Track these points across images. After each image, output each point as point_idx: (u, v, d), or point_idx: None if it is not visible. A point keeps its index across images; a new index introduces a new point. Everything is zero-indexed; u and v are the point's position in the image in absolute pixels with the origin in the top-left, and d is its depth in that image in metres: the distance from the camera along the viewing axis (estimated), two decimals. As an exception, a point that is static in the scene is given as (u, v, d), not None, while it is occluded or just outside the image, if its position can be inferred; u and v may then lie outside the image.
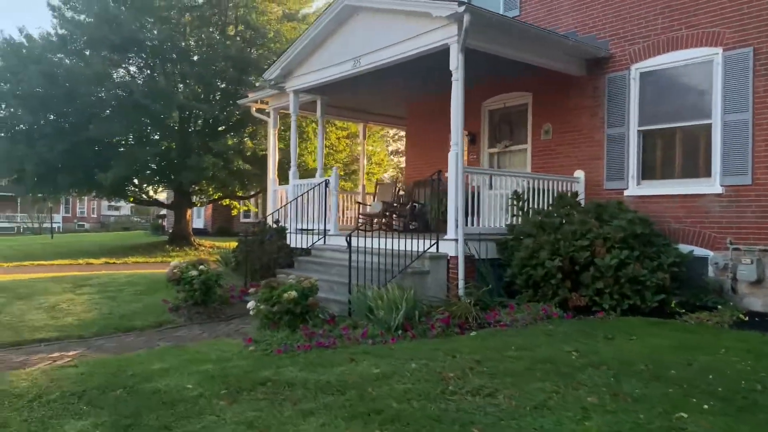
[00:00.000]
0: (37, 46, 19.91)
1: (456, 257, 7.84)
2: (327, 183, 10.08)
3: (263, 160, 19.92)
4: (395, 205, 11.85)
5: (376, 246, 8.82)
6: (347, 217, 13.37)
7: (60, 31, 19.67)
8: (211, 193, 22.39)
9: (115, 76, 18.99)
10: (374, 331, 6.22)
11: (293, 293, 6.28)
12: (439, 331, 6.38)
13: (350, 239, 7.34)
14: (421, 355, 5.46)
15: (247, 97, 13.01)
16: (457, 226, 7.86)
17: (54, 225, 51.89)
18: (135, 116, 18.35)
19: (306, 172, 21.21)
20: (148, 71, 19.49)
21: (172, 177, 19.53)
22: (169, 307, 8.50)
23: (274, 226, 11.55)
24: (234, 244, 26.24)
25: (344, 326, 6.42)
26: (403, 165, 38.17)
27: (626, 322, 6.85)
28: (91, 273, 14.85)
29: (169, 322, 7.95)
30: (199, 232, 33.74)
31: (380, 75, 9.97)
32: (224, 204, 27.40)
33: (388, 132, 35.87)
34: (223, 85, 19.43)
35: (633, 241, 7.42)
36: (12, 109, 19.18)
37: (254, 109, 13.36)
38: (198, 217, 37.05)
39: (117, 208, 61.94)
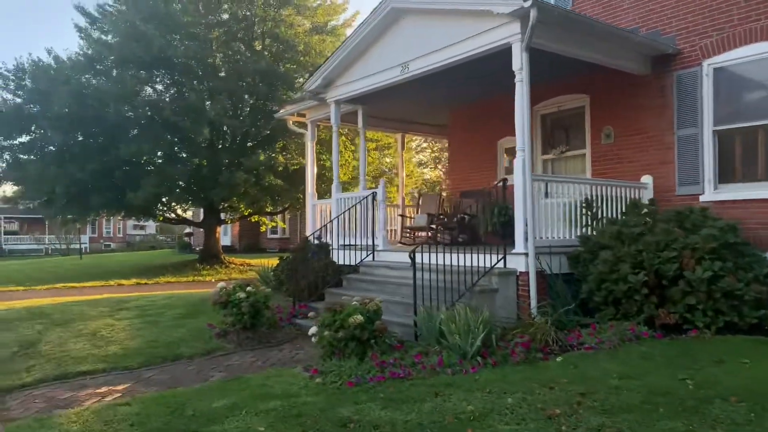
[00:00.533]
0: (66, 68, 19.82)
1: (527, 273, 7.20)
2: (374, 195, 9.53)
3: (294, 175, 19.54)
4: (441, 217, 11.26)
5: (432, 261, 8.23)
6: (388, 231, 12.79)
7: (88, 52, 19.55)
8: (243, 209, 22.00)
9: (143, 95, 18.73)
10: (451, 358, 5.61)
11: (359, 317, 5.71)
12: (521, 357, 5.74)
13: (414, 255, 6.75)
14: (514, 388, 4.84)
15: (284, 109, 12.56)
16: (527, 239, 7.23)
17: (81, 245, 52.24)
18: (164, 134, 18.07)
19: (346, 184, 20.76)
20: (176, 88, 19.23)
21: (203, 195, 19.16)
22: (216, 332, 7.98)
23: (316, 242, 11.04)
24: (266, 260, 25.96)
25: (416, 353, 5.82)
26: (427, 176, 37.59)
27: (727, 342, 6.14)
28: (126, 295, 14.47)
29: (218, 348, 7.42)
30: (226, 250, 33.43)
31: (427, 81, 9.44)
32: (253, 220, 27.07)
33: (411, 143, 35.43)
34: (252, 101, 19.08)
35: (725, 252, 6.72)
36: (41, 131, 19.05)
37: (291, 122, 12.91)
38: (225, 235, 36.79)
39: (142, 228, 62.18)
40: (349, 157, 20.23)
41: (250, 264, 24.60)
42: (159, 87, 20.05)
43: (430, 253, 7.99)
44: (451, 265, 7.42)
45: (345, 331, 5.73)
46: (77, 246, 50.81)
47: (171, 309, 10.66)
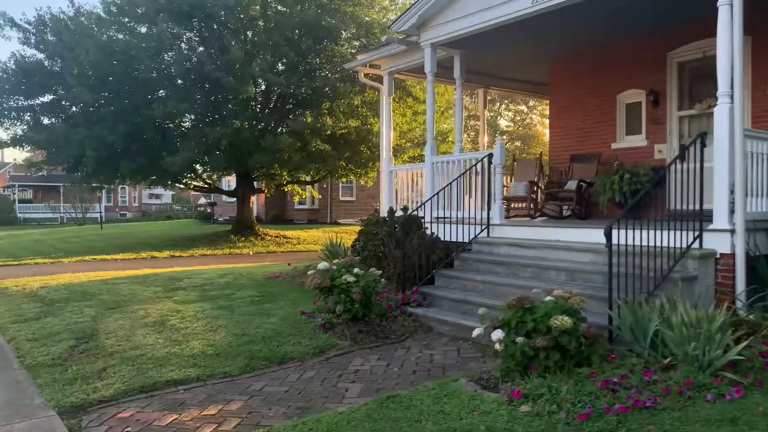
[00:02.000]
0: (92, 19, 18.09)
1: (731, 255, 5.58)
2: (490, 157, 7.87)
3: (340, 139, 17.86)
4: (552, 184, 9.62)
5: (587, 239, 6.62)
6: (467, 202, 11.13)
7: (117, 1, 17.73)
8: (285, 177, 20.36)
9: (180, 49, 16.95)
10: (702, 378, 4.03)
11: (566, 319, 4.12)
12: (783, 373, 4.16)
13: (610, 232, 5.10)
14: None
15: (361, 57, 10.80)
16: (732, 211, 5.58)
17: (101, 215, 50.90)
18: (203, 93, 16.37)
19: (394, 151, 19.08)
20: (215, 43, 17.43)
21: (241, 160, 17.52)
22: (319, 324, 6.44)
23: (401, 213, 9.43)
24: (302, 232, 24.46)
25: (649, 370, 4.23)
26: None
27: None
28: (169, 270, 12.99)
29: (330, 346, 5.88)
30: (250, 220, 31.98)
31: (551, 19, 7.71)
32: (287, 189, 25.49)
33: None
34: (296, 57, 17.26)
35: None
36: (65, 90, 17.36)
37: (362, 74, 11.20)
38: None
39: (158, 197, 60.85)
40: (400, 120, 18.50)
41: (286, 236, 23.09)
42: (194, 41, 18.23)
43: (568, 229, 6.38)
44: (619, 246, 5.79)
45: (544, 338, 4.14)
46: (92, 215, 49.56)
47: (237, 290, 9.16)
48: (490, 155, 7.84)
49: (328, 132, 17.02)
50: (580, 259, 6.46)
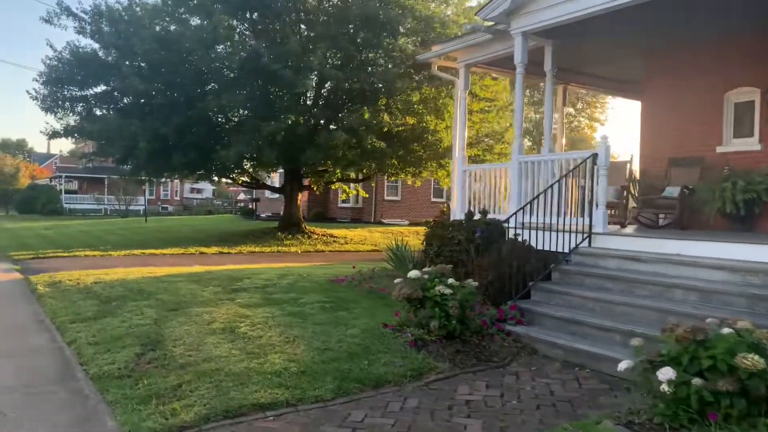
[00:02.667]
0: (147, 9, 17.81)
1: None
2: (594, 158, 7.03)
3: (394, 137, 17.17)
4: (652, 190, 8.72)
5: (712, 254, 5.77)
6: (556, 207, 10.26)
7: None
8: (338, 174, 19.74)
9: (237, 39, 16.48)
10: None
11: (758, 359, 3.31)
12: None
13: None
14: None
15: (435, 48, 10.06)
16: None
17: (145, 208, 51.41)
18: (259, 85, 15.87)
19: (447, 151, 18.29)
20: (271, 35, 16.90)
21: (293, 156, 16.96)
22: (409, 340, 5.72)
23: (479, 217, 8.68)
24: (348, 231, 23.87)
25: None
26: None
27: None
28: (224, 268, 12.49)
29: (428, 369, 5.15)
30: (293, 217, 31.61)
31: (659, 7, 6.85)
32: (333, 188, 24.94)
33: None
34: (354, 50, 16.61)
35: None
36: (117, 82, 17.07)
37: (436, 66, 10.48)
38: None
39: (199, 191, 61.26)
40: (451, 122, 17.69)
41: (333, 235, 22.53)
42: (249, 33, 17.77)
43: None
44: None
45: (728, 381, 3.33)
46: (135, 207, 50.05)
47: (302, 294, 8.53)
48: (595, 155, 7.00)
49: (385, 129, 16.34)
50: (710, 277, 5.60)
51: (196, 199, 59.27)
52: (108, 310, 7.75)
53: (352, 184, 25.09)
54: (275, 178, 27.46)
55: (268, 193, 37.17)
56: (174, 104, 16.30)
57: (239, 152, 15.90)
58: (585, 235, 7.05)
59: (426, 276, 5.85)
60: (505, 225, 8.30)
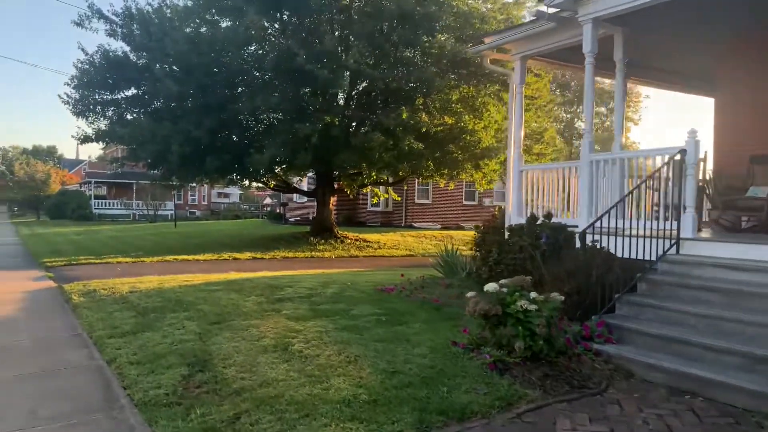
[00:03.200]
0: (178, 10, 17.48)
1: None
2: (683, 155, 6.30)
3: (430, 138, 16.51)
4: (734, 191, 7.94)
5: None
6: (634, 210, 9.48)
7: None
8: (374, 176, 19.14)
9: (270, 39, 16.02)
10: None
11: None
12: None
13: None
14: None
15: (489, 40, 9.39)
16: None
17: (167, 212, 51.52)
18: (293, 86, 15.37)
19: (486, 152, 17.61)
20: (307, 34, 16.39)
21: (328, 158, 16.42)
22: (488, 362, 5.06)
23: (543, 221, 7.99)
24: (380, 236, 23.28)
25: None
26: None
27: None
28: (262, 275, 11.98)
29: (517, 397, 4.48)
30: (322, 222, 31.14)
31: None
32: (365, 191, 24.37)
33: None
34: (391, 49, 16.02)
35: None
36: (148, 85, 16.72)
37: (488, 59, 9.82)
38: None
39: (226, 196, 61.33)
40: (497, 117, 16.97)
41: (366, 239, 21.96)
42: (283, 32, 17.29)
43: None
44: None
45: None
46: (163, 212, 50.19)
47: (351, 304, 7.94)
48: (683, 152, 6.27)
49: (423, 129, 15.69)
50: None
51: (224, 203, 59.30)
52: (146, 323, 7.24)
53: (383, 187, 24.53)
54: (304, 182, 26.97)
55: (296, 197, 36.79)
56: (206, 107, 15.91)
57: (273, 155, 15.43)
58: (672, 241, 6.31)
59: (504, 289, 5.18)
60: (573, 229, 7.62)
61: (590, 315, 5.92)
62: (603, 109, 50.10)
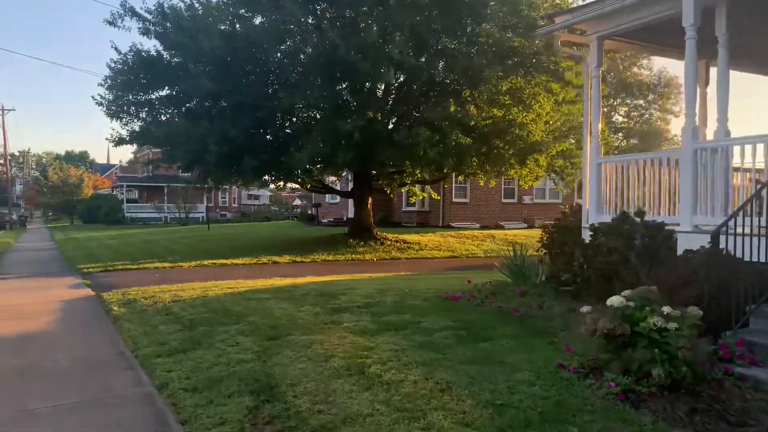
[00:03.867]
0: (211, 7, 16.89)
1: None
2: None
3: (478, 132, 15.58)
4: None
5: None
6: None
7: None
8: (418, 174, 18.29)
9: (308, 31, 15.28)
10: None
11: None
12: None
13: None
14: None
15: (559, 20, 8.48)
16: None
17: (198, 215, 51.42)
18: (333, 81, 14.62)
19: (534, 147, 16.62)
20: (347, 25, 15.59)
21: (369, 156, 15.62)
22: (615, 392, 4.16)
23: (637, 220, 7.05)
24: (419, 237, 22.47)
25: None
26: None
27: None
28: (312, 281, 11.25)
29: (669, 442, 3.60)
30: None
31: None
32: (403, 191, 23.54)
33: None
34: (434, 39, 15.12)
35: None
36: (183, 84, 16.12)
37: (560, 41, 8.89)
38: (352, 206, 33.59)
39: (256, 198, 61.18)
40: (547, 107, 15.99)
41: (406, 241, 21.12)
42: (321, 24, 16.55)
43: None
44: None
45: None
46: (195, 215, 50.09)
47: (418, 315, 7.12)
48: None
49: (471, 123, 14.79)
50: None
51: (254, 205, 59.09)
52: (195, 338, 6.52)
53: (420, 186, 23.67)
54: (337, 183, 26.26)
55: (329, 198, 36.18)
56: (242, 105, 15.27)
57: (312, 154, 14.70)
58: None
59: (631, 304, 4.29)
60: (674, 228, 6.68)
61: (718, 331, 4.99)
62: (641, 102, 48.49)
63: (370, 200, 20.98)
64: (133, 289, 10.60)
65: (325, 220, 34.38)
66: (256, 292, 9.61)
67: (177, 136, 15.10)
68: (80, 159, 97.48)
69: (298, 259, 17.04)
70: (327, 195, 36.49)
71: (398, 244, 20.23)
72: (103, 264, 15.57)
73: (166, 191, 52.13)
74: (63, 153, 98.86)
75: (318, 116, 15.59)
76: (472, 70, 14.51)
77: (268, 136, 15.58)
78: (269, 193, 64.90)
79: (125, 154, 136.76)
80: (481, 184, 25.21)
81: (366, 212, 20.71)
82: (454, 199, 29.27)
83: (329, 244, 19.83)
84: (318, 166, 16.06)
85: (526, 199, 31.05)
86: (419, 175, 18.28)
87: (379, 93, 16.13)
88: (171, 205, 51.12)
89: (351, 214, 34.61)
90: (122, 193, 54.86)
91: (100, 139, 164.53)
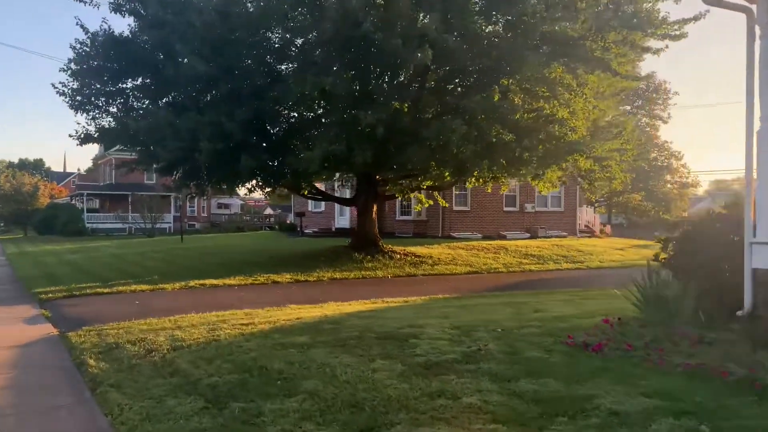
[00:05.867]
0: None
1: None
2: None
3: (522, 127, 13.30)
4: None
5: None
6: None
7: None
8: (447, 177, 15.83)
9: (325, 5, 12.72)
10: None
11: None
12: None
13: None
14: None
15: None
16: None
17: (165, 225, 47.88)
18: (352, 64, 12.18)
19: (575, 146, 14.42)
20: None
21: (394, 155, 13.19)
22: None
23: None
24: (427, 249, 20.15)
25: None
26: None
27: None
28: (345, 314, 8.70)
29: None
30: (344, 233, 27.88)
31: None
32: (410, 197, 21.20)
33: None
34: (473, 16, 12.75)
35: None
36: (162, 71, 13.39)
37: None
38: (341, 216, 31.09)
39: (227, 207, 57.81)
40: (590, 95, 13.89)
41: (416, 254, 18.72)
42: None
43: None
44: None
45: None
46: (161, 225, 46.63)
47: (564, 379, 4.74)
48: None
49: (516, 116, 12.49)
50: None
51: (225, 215, 55.74)
52: (235, 429, 3.97)
53: (425, 193, 21.35)
54: (338, 188, 23.64)
55: (312, 207, 33.48)
56: (239, 94, 12.66)
57: (325, 153, 12.15)
58: None
59: None
60: None
61: None
62: (628, 107, 47.21)
63: (375, 208, 18.50)
64: (111, 327, 7.94)
65: (309, 231, 31.64)
66: (285, 333, 7.06)
67: (160, 130, 12.32)
68: (35, 167, 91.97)
69: (301, 277, 14.46)
70: (310, 203, 33.92)
71: (409, 258, 17.83)
72: (66, 287, 12.67)
73: (130, 200, 48.49)
74: (17, 161, 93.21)
75: (330, 108, 13.01)
76: (514, 53, 12.24)
77: (268, 131, 12.95)
78: (240, 202, 61.56)
79: (84, 161, 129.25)
80: (489, 190, 23.03)
81: (371, 222, 18.25)
82: (455, 207, 26.99)
83: (330, 259, 17.26)
84: (328, 166, 13.46)
85: (528, 208, 29.01)
86: (448, 178, 15.84)
87: (405, 80, 13.65)
88: (136, 215, 47.50)
89: (340, 224, 31.96)
90: (82, 203, 50.87)
91: (57, 145, 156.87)
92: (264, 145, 13.21)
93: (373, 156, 12.62)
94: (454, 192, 26.67)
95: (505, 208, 28.53)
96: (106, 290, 12.25)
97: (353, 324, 7.45)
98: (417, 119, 12.84)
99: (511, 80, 13.29)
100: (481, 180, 17.15)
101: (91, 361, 6.11)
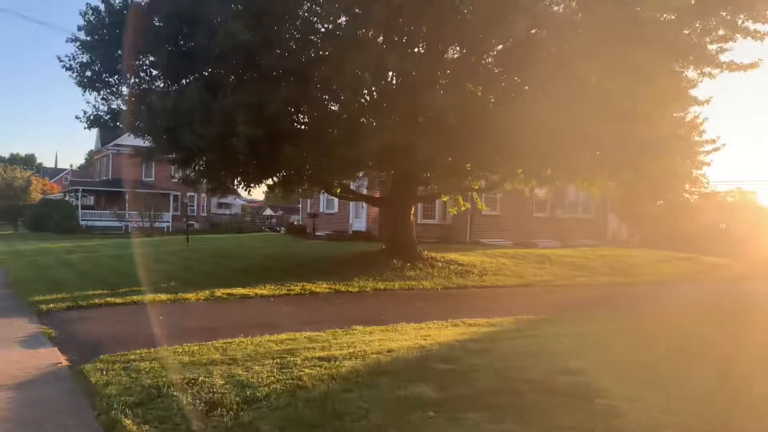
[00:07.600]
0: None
1: None
2: None
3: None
4: None
5: None
6: None
7: None
8: (520, 174, 13.78)
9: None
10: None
11: None
12: None
13: None
14: None
15: None
16: None
17: (163, 225, 45.67)
18: (425, 35, 10.24)
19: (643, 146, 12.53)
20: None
21: (457, 146, 11.23)
22: None
23: None
24: (466, 257, 18.12)
25: None
26: None
27: None
28: (450, 342, 6.71)
29: None
30: (361, 236, 26.00)
31: None
32: (444, 200, 19.28)
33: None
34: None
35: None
36: (193, 41, 11.38)
37: None
38: (357, 217, 29.14)
39: (228, 207, 55.54)
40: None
41: (458, 262, 16.77)
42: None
43: None
44: None
45: None
46: (160, 224, 44.44)
47: None
48: None
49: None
50: None
51: (225, 215, 53.51)
52: None
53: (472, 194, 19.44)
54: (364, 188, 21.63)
55: (324, 208, 31.51)
56: (281, 70, 10.69)
57: (384, 142, 10.20)
58: None
59: None
60: None
61: None
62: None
63: (412, 211, 16.55)
64: (139, 355, 5.98)
65: (321, 233, 29.58)
66: (392, 377, 5.10)
67: (189, 112, 10.25)
68: (26, 162, 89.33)
69: (341, 287, 12.49)
70: (322, 204, 31.93)
71: (452, 267, 15.87)
72: (68, 294, 10.59)
73: (127, 197, 46.21)
74: (7, 156, 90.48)
75: (387, 90, 11.04)
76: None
77: (312, 117, 10.97)
78: (242, 202, 59.35)
79: (77, 158, 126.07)
80: (528, 194, 21.09)
81: (407, 225, 16.31)
82: (483, 212, 25.08)
83: (365, 266, 15.26)
84: (383, 160, 11.46)
85: (559, 214, 27.13)
86: (521, 175, 13.78)
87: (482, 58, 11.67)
88: (133, 213, 45.22)
89: (356, 227, 29.96)
90: (77, 199, 48.53)
91: (49, 140, 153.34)
92: (306, 133, 11.22)
93: (437, 147, 10.67)
94: (482, 194, 24.80)
95: (536, 214, 26.65)
96: (118, 300, 10.17)
97: (475, 364, 5.49)
98: (490, 104, 10.89)
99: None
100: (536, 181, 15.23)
101: (126, 421, 4.12)
